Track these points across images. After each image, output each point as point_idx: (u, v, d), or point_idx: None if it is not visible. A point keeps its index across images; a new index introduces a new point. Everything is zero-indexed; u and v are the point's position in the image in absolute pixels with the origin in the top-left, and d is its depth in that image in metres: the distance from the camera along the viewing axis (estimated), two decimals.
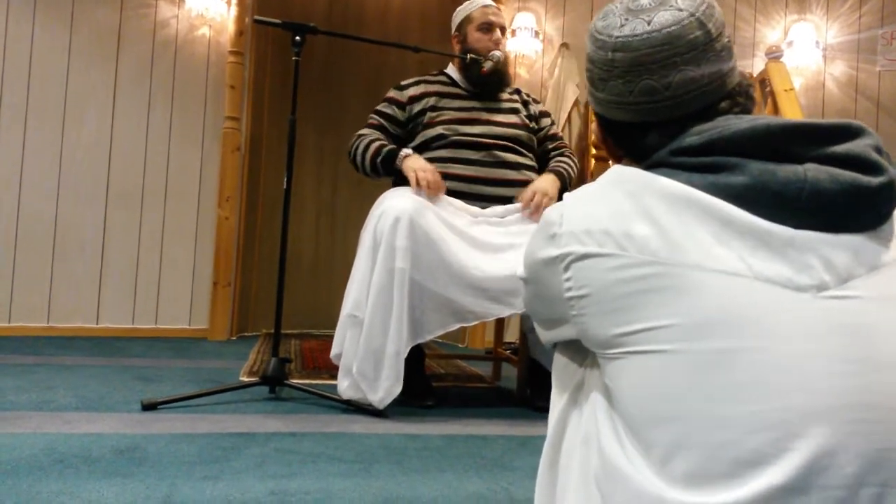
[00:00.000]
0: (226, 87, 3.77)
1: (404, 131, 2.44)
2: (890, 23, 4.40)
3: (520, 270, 0.91)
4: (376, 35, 4.45)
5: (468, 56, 2.41)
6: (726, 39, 0.82)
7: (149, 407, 2.04)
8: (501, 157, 2.35)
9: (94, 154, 3.68)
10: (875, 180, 0.69)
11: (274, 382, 2.24)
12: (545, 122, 2.55)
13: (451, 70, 2.54)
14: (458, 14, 2.51)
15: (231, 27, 3.80)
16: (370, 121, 2.46)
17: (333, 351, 2.20)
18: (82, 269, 3.66)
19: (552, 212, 0.81)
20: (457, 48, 2.51)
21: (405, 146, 2.39)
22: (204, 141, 3.82)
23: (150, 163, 3.76)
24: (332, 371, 2.88)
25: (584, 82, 3.83)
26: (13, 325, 3.57)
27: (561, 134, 2.59)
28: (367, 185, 4.67)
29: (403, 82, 2.52)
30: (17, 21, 3.60)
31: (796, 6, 4.41)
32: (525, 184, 2.35)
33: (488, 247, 2.17)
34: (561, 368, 0.92)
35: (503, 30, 2.47)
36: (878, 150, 0.72)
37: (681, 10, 0.80)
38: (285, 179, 2.27)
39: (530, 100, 2.57)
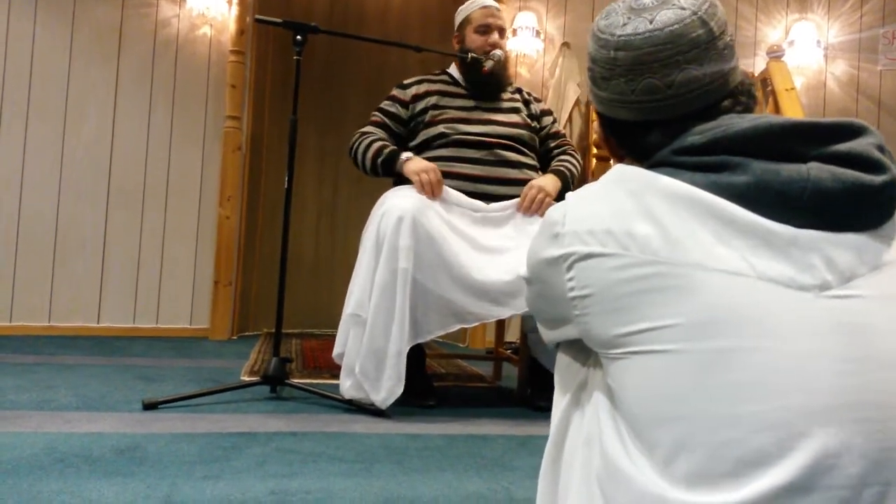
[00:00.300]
0: (227, 86, 3.77)
1: (406, 129, 2.44)
2: (891, 22, 4.39)
3: (522, 270, 0.91)
4: (377, 34, 4.45)
5: (469, 55, 2.40)
6: (728, 38, 0.82)
7: (149, 406, 2.04)
8: (503, 156, 2.35)
9: (95, 153, 3.68)
10: (878, 179, 0.69)
11: (275, 382, 2.24)
12: (547, 120, 2.55)
13: (453, 69, 2.54)
14: (459, 14, 2.51)
15: (232, 26, 3.80)
16: (372, 118, 2.45)
17: (336, 350, 2.20)
18: (83, 269, 3.66)
19: (555, 211, 0.81)
20: (456, 48, 2.51)
21: (407, 145, 2.39)
22: (205, 140, 3.82)
23: (151, 162, 3.76)
24: (333, 371, 2.88)
25: (585, 82, 3.83)
26: (14, 324, 3.57)
27: (564, 132, 2.58)
28: (367, 185, 4.66)
29: (406, 81, 2.52)
30: (19, 20, 3.60)
31: (797, 5, 4.41)
32: (526, 183, 2.35)
33: (488, 249, 2.17)
34: (563, 368, 0.92)
35: (502, 31, 2.46)
36: (881, 149, 0.72)
37: (683, 8, 0.79)
38: (286, 179, 2.28)
39: (531, 99, 2.57)
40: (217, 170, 3.80)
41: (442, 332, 2.14)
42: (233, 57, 3.77)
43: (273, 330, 2.30)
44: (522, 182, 2.34)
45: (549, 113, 2.59)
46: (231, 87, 3.75)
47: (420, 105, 2.42)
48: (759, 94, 3.69)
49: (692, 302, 0.68)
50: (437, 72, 2.56)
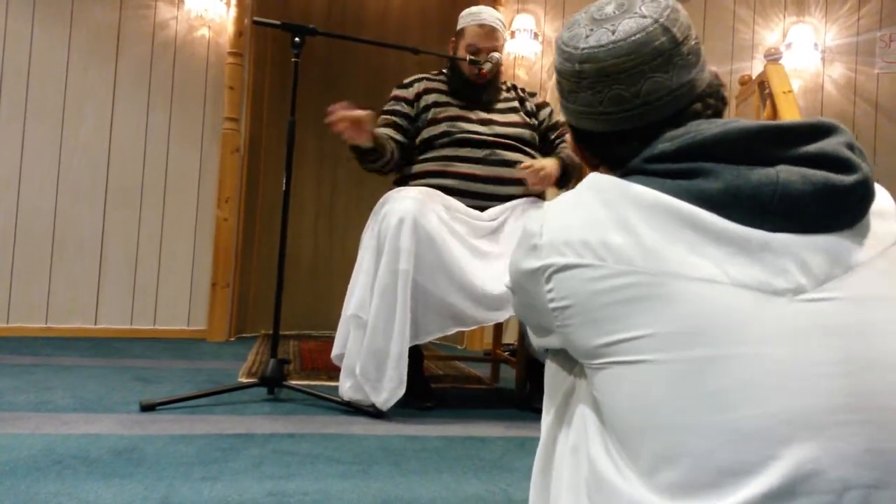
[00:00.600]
0: (225, 88, 3.77)
1: (414, 127, 2.43)
2: (888, 25, 4.40)
3: (507, 279, 0.91)
4: (376, 36, 4.45)
5: (468, 57, 2.40)
6: (693, 42, 0.81)
7: (147, 408, 2.04)
8: (503, 156, 2.36)
9: (93, 154, 3.68)
10: (848, 179, 0.69)
11: (272, 383, 2.24)
12: (544, 113, 2.55)
13: (449, 70, 2.54)
14: (460, 20, 2.49)
15: (230, 28, 3.80)
16: (381, 121, 2.44)
17: (334, 352, 2.20)
18: (81, 270, 3.65)
19: (533, 223, 0.81)
20: (451, 52, 2.51)
21: (413, 143, 2.39)
22: (203, 142, 3.82)
23: (150, 163, 3.76)
24: (331, 372, 2.88)
25: None
26: (11, 325, 3.56)
27: (563, 121, 2.58)
28: (366, 187, 4.67)
29: (406, 80, 2.52)
30: (17, 20, 3.60)
31: (795, 8, 4.42)
32: (522, 181, 2.36)
33: (484, 254, 2.18)
34: (551, 375, 0.92)
35: (496, 51, 2.41)
36: (851, 148, 0.71)
37: (644, 16, 0.79)
38: (284, 180, 2.28)
39: (526, 95, 2.57)
40: (215, 171, 3.79)
41: (441, 335, 2.14)
42: (231, 59, 3.77)
43: (271, 331, 2.30)
44: (521, 181, 2.35)
45: (545, 105, 2.59)
46: (229, 88, 3.75)
47: (423, 102, 2.43)
48: (750, 97, 3.70)
49: (668, 311, 0.68)
50: (434, 72, 2.56)
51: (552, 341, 0.84)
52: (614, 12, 0.81)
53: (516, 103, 2.51)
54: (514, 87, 2.58)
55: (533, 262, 0.79)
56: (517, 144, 2.40)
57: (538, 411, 2.35)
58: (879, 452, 0.64)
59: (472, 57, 2.40)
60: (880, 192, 0.75)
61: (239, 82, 3.79)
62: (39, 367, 2.68)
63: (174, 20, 3.80)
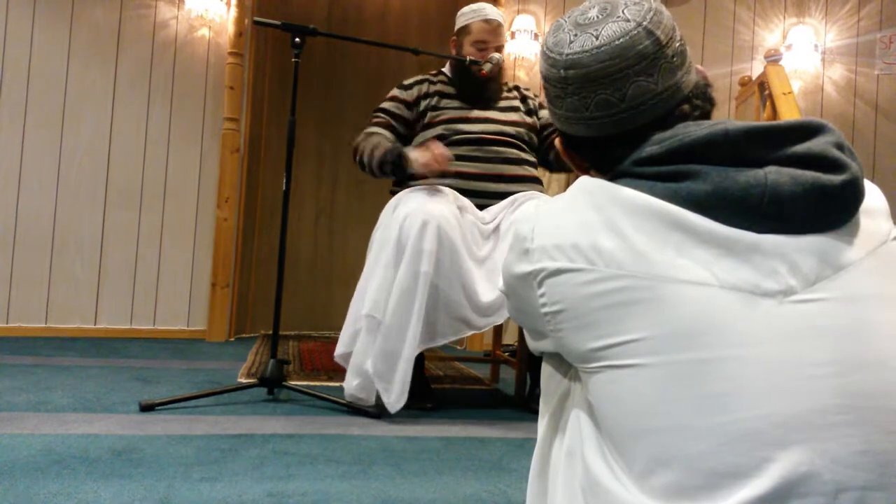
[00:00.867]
0: (225, 88, 3.77)
1: (412, 132, 2.43)
2: (888, 26, 4.40)
3: (500, 284, 0.91)
4: (375, 37, 4.45)
5: (467, 59, 2.41)
6: (678, 44, 0.81)
7: (147, 408, 2.04)
8: (502, 154, 2.36)
9: (93, 154, 3.68)
10: (837, 179, 0.68)
11: (272, 384, 2.23)
12: (544, 113, 2.55)
13: (448, 69, 2.54)
14: (461, 18, 2.49)
15: (230, 28, 3.80)
16: (376, 118, 2.43)
17: (339, 350, 2.19)
18: (80, 270, 3.65)
19: (524, 226, 0.81)
20: (452, 52, 2.51)
21: (408, 146, 2.40)
22: (203, 142, 3.82)
23: (149, 163, 3.76)
24: (331, 372, 2.88)
25: None
26: (11, 325, 3.56)
27: None
28: (366, 187, 4.67)
29: (407, 82, 2.50)
30: (17, 21, 3.60)
31: (795, 9, 4.42)
32: (526, 179, 2.37)
33: (482, 260, 2.21)
34: (547, 378, 0.92)
35: (501, 47, 2.44)
36: (840, 147, 0.71)
37: (628, 20, 0.79)
38: (284, 180, 2.27)
39: (529, 95, 2.57)
40: (215, 171, 3.79)
41: (455, 337, 2.16)
42: (231, 59, 3.77)
43: (270, 332, 2.31)
44: (522, 178, 2.36)
45: (543, 106, 2.59)
46: (229, 88, 3.75)
47: (422, 105, 2.43)
48: (750, 98, 3.70)
49: (659, 315, 0.68)
50: (434, 72, 2.56)
51: (546, 345, 0.84)
52: (597, 17, 0.81)
53: (517, 102, 2.51)
54: (517, 88, 2.58)
55: (524, 267, 0.79)
56: (515, 142, 2.40)
57: (538, 412, 2.36)
58: (873, 453, 0.63)
59: (472, 58, 2.40)
60: (870, 190, 0.74)
61: (239, 82, 3.79)
62: (39, 368, 2.68)
63: (174, 20, 3.80)
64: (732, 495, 0.63)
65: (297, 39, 2.26)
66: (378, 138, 2.34)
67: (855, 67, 4.42)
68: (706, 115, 0.82)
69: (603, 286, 0.71)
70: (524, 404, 2.42)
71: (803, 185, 0.68)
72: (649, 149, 0.75)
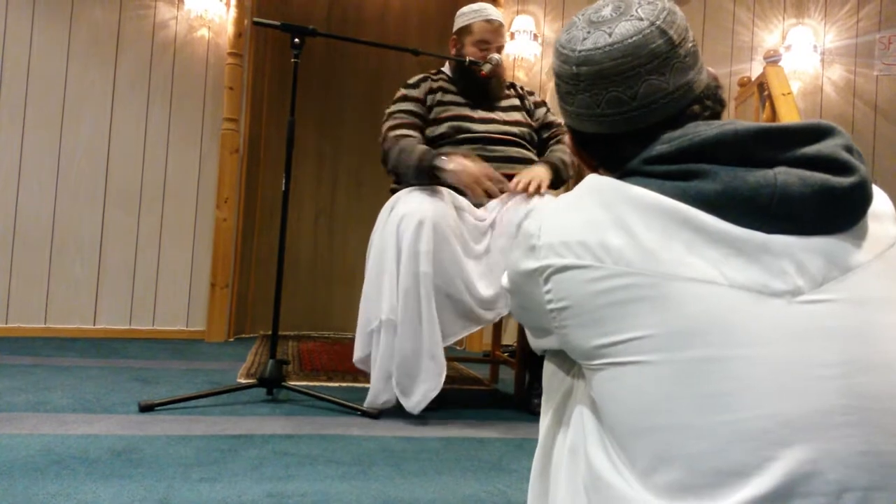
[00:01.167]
0: (224, 88, 3.77)
1: (425, 124, 2.43)
2: (887, 27, 4.41)
3: (504, 281, 0.91)
4: (375, 37, 4.45)
5: (467, 60, 2.41)
6: (690, 44, 0.81)
7: (146, 408, 2.04)
8: (506, 153, 2.36)
9: (92, 155, 3.68)
10: (846, 181, 0.69)
11: (271, 384, 2.23)
12: (540, 112, 2.56)
13: (447, 69, 2.54)
14: (460, 18, 2.49)
15: (230, 29, 3.80)
16: (400, 119, 2.37)
17: (357, 355, 2.19)
18: (80, 270, 3.65)
19: (531, 223, 0.81)
20: (452, 52, 2.52)
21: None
22: (202, 142, 3.82)
23: (149, 164, 3.76)
24: (330, 373, 2.88)
25: None
26: (10, 325, 3.56)
27: (559, 121, 2.58)
28: (365, 188, 4.67)
29: (412, 81, 2.50)
30: (16, 21, 3.60)
31: (794, 10, 4.43)
32: None
33: (478, 256, 2.20)
34: (549, 376, 0.92)
35: (501, 49, 2.45)
36: (849, 150, 0.72)
37: (641, 19, 0.79)
38: (284, 181, 2.27)
39: (525, 93, 2.58)
40: (214, 172, 3.79)
41: (463, 335, 2.19)
42: (230, 59, 3.77)
43: (270, 332, 2.30)
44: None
45: (542, 104, 2.60)
46: (229, 89, 3.75)
47: (428, 102, 2.44)
48: (749, 98, 3.70)
49: (666, 312, 0.68)
50: (433, 71, 2.56)
51: (550, 342, 0.84)
52: (611, 15, 0.81)
53: (517, 101, 2.52)
54: (514, 86, 2.59)
55: (531, 263, 0.79)
56: (519, 141, 2.41)
57: (538, 413, 2.36)
58: (877, 454, 0.64)
59: (472, 58, 2.40)
60: (878, 194, 0.75)
61: (238, 83, 3.79)
62: (38, 368, 2.68)
63: (174, 20, 3.80)
64: (736, 494, 0.63)
65: (297, 40, 2.26)
66: (409, 142, 2.28)
67: (854, 68, 4.42)
68: (716, 116, 0.83)
69: (610, 283, 0.71)
70: (523, 405, 2.42)
71: (812, 186, 0.68)
72: (659, 147, 0.75)
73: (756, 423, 0.64)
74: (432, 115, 2.41)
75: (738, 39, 4.36)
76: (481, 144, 2.35)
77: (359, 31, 4.58)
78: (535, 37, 4.11)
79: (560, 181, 2.38)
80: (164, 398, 2.12)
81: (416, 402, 2.07)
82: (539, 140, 2.54)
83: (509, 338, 3.57)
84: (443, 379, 2.09)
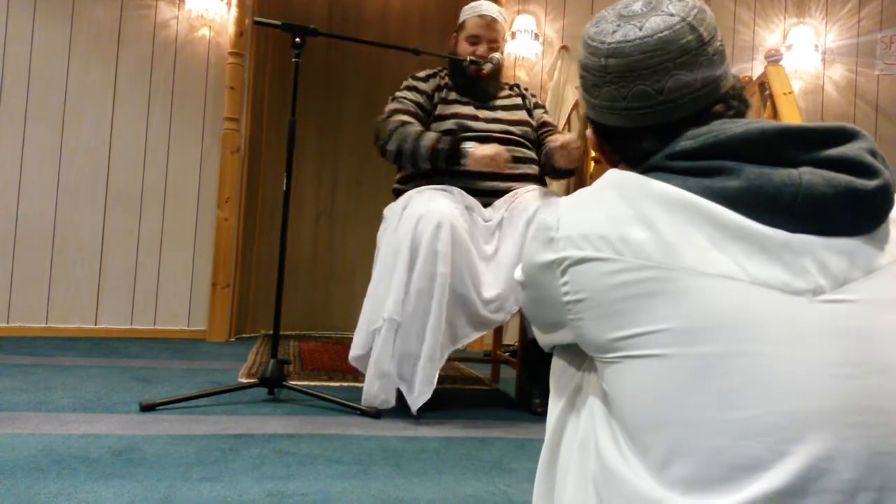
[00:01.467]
0: (225, 88, 3.77)
1: (428, 121, 2.43)
2: (889, 26, 4.40)
3: (518, 274, 0.91)
4: (376, 37, 4.45)
5: (468, 59, 2.41)
6: (718, 43, 0.82)
7: (147, 408, 2.04)
8: (509, 152, 2.36)
9: (93, 154, 3.68)
10: (870, 183, 0.69)
11: (272, 384, 2.23)
12: (538, 112, 2.57)
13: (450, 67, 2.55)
14: (461, 15, 2.51)
15: (231, 28, 3.80)
16: (399, 104, 2.38)
17: (353, 353, 2.18)
18: (81, 270, 3.65)
19: (549, 216, 0.81)
20: (453, 49, 2.52)
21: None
22: (203, 142, 3.82)
23: (150, 163, 3.76)
24: (331, 372, 2.88)
25: None
26: (11, 325, 3.57)
27: (554, 123, 2.60)
28: (366, 187, 4.67)
29: (421, 74, 2.51)
30: (17, 20, 3.60)
31: (795, 10, 4.42)
32: (528, 178, 2.37)
33: (487, 258, 2.21)
34: (559, 372, 0.92)
35: (494, 43, 2.43)
36: (873, 154, 0.72)
37: (672, 15, 0.80)
38: (285, 181, 2.27)
39: (527, 93, 2.59)
40: (215, 171, 3.80)
41: (476, 335, 2.18)
42: (231, 59, 3.77)
43: (271, 332, 2.30)
44: (528, 177, 2.37)
45: (541, 106, 2.61)
46: (230, 88, 3.76)
47: (435, 98, 2.45)
48: (756, 98, 3.70)
49: (685, 306, 0.68)
50: (440, 68, 2.57)
51: (563, 336, 0.84)
52: (642, 10, 0.82)
53: (520, 100, 2.53)
54: (517, 86, 2.59)
55: (549, 255, 0.79)
56: (521, 140, 2.41)
57: (538, 412, 2.36)
58: (892, 455, 0.64)
59: (472, 58, 2.40)
60: None
61: (239, 82, 3.79)
62: (39, 367, 2.68)
63: (175, 20, 3.80)
64: (749, 488, 0.64)
65: (298, 39, 2.26)
66: (417, 127, 2.30)
67: (855, 68, 4.42)
68: (740, 116, 0.83)
69: (629, 276, 0.71)
70: (524, 404, 2.42)
71: (836, 187, 0.69)
72: (683, 143, 0.76)
73: (772, 420, 0.64)
74: (437, 112, 2.41)
75: (740, 39, 4.35)
76: (483, 143, 2.35)
77: (359, 31, 4.58)
78: (536, 36, 4.11)
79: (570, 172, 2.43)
80: (165, 398, 2.13)
81: (414, 398, 2.07)
82: (535, 137, 2.54)
83: (510, 338, 3.57)
84: (435, 382, 2.08)
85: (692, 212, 0.71)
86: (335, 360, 3.25)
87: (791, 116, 3.30)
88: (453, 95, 2.44)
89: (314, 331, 4.51)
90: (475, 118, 2.39)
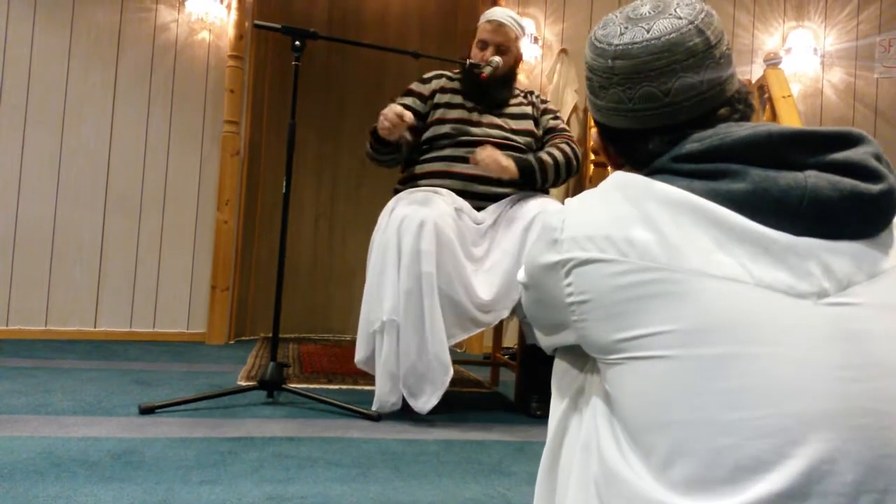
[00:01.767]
0: (225, 91, 3.77)
1: (424, 124, 2.44)
2: (887, 30, 4.41)
3: (521, 275, 0.92)
4: (376, 40, 4.46)
5: (467, 62, 2.41)
6: (725, 47, 0.82)
7: (146, 411, 2.04)
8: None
9: (93, 157, 3.68)
10: (875, 188, 0.70)
11: (272, 387, 2.23)
12: (545, 118, 2.54)
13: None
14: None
15: (231, 31, 3.80)
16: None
17: (359, 356, 2.19)
18: (80, 273, 3.65)
19: (553, 218, 0.81)
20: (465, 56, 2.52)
21: (420, 139, 2.41)
22: (203, 145, 3.82)
23: (150, 166, 3.76)
24: (330, 375, 2.88)
25: (582, 88, 3.84)
26: (11, 328, 3.56)
27: (562, 126, 2.55)
28: (365, 190, 4.68)
29: (426, 76, 2.53)
30: (17, 24, 3.60)
31: (794, 13, 4.43)
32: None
33: (478, 260, 2.21)
34: (561, 374, 0.92)
35: (502, 47, 2.42)
36: (878, 158, 0.72)
37: (680, 18, 0.80)
38: (284, 183, 2.28)
39: (536, 102, 2.55)
40: (215, 174, 3.80)
41: (465, 336, 2.18)
42: (231, 62, 3.78)
43: (270, 334, 2.30)
44: (524, 184, 2.36)
45: (551, 112, 2.57)
46: (229, 91, 3.76)
47: (435, 100, 2.45)
48: (755, 101, 3.70)
49: (689, 308, 0.69)
50: (455, 70, 2.56)
51: (566, 337, 0.84)
52: (650, 12, 0.82)
53: (529, 109, 2.50)
54: (531, 93, 2.57)
55: (553, 256, 0.79)
56: (522, 147, 2.40)
57: (538, 415, 2.36)
58: (894, 458, 0.64)
59: (472, 61, 2.41)
60: None
61: (239, 85, 3.79)
62: (39, 370, 2.68)
63: (175, 23, 3.81)
64: (751, 489, 0.64)
65: (298, 43, 2.26)
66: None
67: (854, 71, 4.42)
68: (746, 120, 0.84)
69: (633, 278, 0.71)
70: (524, 407, 2.42)
71: (841, 191, 0.69)
72: (689, 146, 0.76)
73: (775, 421, 0.64)
74: (437, 115, 2.41)
75: (739, 42, 4.36)
76: (482, 147, 2.35)
77: (359, 34, 4.59)
78: (536, 40, 4.11)
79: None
80: (164, 400, 2.12)
81: (423, 402, 2.08)
82: (540, 145, 2.52)
83: (510, 340, 3.57)
84: (449, 379, 2.09)
85: (697, 214, 0.71)
86: (334, 363, 3.25)
87: (790, 120, 3.31)
88: (458, 100, 2.44)
89: (313, 333, 4.51)
90: (477, 123, 2.39)
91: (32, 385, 2.38)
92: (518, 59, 2.50)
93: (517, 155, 2.32)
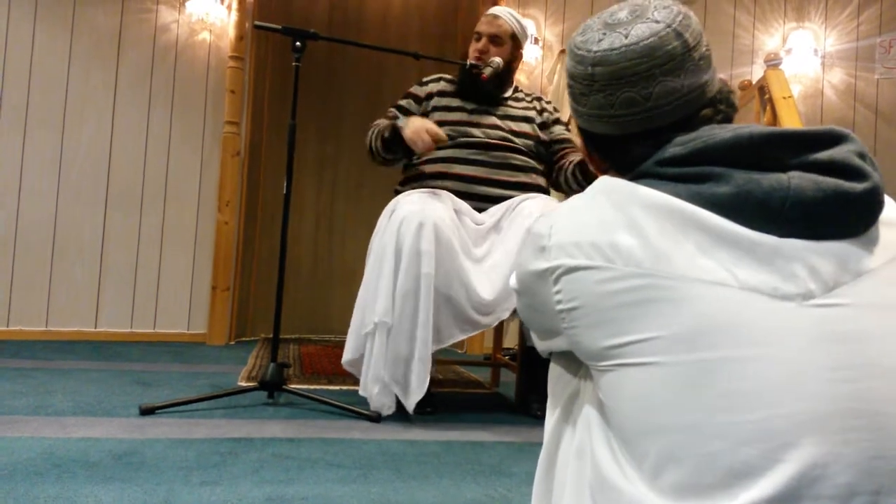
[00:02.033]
0: (226, 91, 3.77)
1: None
2: (888, 31, 4.41)
3: (512, 281, 0.92)
4: (376, 41, 4.46)
5: (467, 63, 2.41)
6: (704, 49, 0.82)
7: (147, 411, 2.04)
8: (508, 159, 2.36)
9: (93, 158, 3.69)
10: (859, 186, 0.69)
11: (272, 387, 2.23)
12: (557, 128, 2.52)
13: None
14: None
15: (231, 32, 3.81)
16: (388, 113, 2.48)
17: (346, 357, 2.19)
18: (81, 273, 3.66)
19: (541, 224, 0.81)
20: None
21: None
22: (204, 145, 3.83)
23: (150, 167, 3.76)
24: (331, 376, 2.88)
25: None
26: (11, 328, 3.56)
27: (570, 137, 2.56)
28: (366, 191, 4.68)
29: (426, 78, 2.55)
30: (18, 24, 3.60)
31: (795, 14, 4.43)
32: (531, 186, 2.37)
33: (478, 260, 2.21)
34: (556, 378, 0.93)
35: (495, 38, 2.41)
36: (862, 156, 0.72)
37: (657, 22, 0.80)
38: (285, 184, 2.28)
39: (548, 108, 2.54)
40: (216, 175, 3.80)
41: (462, 337, 2.18)
42: (232, 62, 3.78)
43: (271, 335, 2.30)
44: (526, 185, 2.37)
45: (563, 123, 2.56)
46: (230, 92, 3.76)
47: (432, 102, 2.45)
48: (750, 102, 3.70)
49: (676, 314, 0.68)
50: (453, 75, 2.56)
51: (558, 343, 0.84)
52: (627, 17, 0.82)
53: (533, 113, 2.49)
54: (539, 99, 2.56)
55: (541, 264, 0.79)
56: (520, 148, 2.40)
57: (538, 416, 2.36)
58: (887, 459, 0.64)
59: (472, 62, 2.41)
60: (889, 203, 0.75)
61: (240, 86, 3.79)
62: (39, 371, 2.68)
63: (175, 24, 3.81)
64: (743, 494, 0.64)
65: (298, 43, 2.26)
66: (381, 121, 2.41)
67: (855, 72, 4.42)
68: (728, 120, 0.84)
69: (621, 284, 0.71)
70: (524, 408, 2.42)
71: (825, 190, 0.69)
72: (672, 150, 0.76)
73: (765, 425, 0.64)
74: (437, 117, 2.40)
75: (739, 43, 4.36)
76: (481, 149, 2.35)
77: (359, 35, 4.59)
78: (536, 40, 4.11)
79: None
80: (164, 401, 2.12)
81: (412, 401, 2.08)
82: (549, 155, 2.50)
83: (510, 341, 3.57)
84: (427, 382, 2.08)
85: (680, 218, 0.71)
86: (335, 364, 3.25)
87: (790, 120, 3.31)
88: (457, 102, 2.44)
89: (314, 334, 4.51)
90: (476, 125, 2.39)
91: (33, 386, 2.38)
92: (517, 56, 2.49)
93: None
